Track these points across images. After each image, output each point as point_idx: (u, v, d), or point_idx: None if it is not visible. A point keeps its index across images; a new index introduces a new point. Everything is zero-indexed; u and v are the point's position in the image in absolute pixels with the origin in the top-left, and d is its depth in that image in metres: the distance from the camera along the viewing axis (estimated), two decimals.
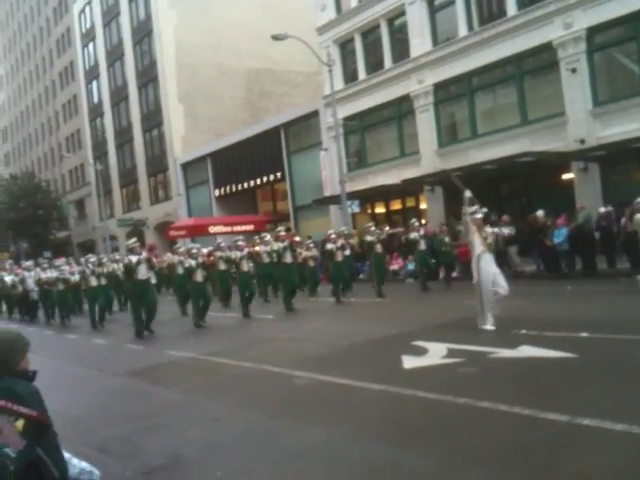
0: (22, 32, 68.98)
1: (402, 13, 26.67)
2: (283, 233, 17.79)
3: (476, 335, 9.81)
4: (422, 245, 17.86)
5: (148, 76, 44.13)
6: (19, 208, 55.46)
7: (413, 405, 6.50)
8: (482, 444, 5.16)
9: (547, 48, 21.50)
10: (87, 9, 52.42)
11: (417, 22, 25.83)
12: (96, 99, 52.38)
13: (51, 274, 20.19)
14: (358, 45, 28.93)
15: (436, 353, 8.68)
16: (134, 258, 14.11)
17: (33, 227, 55.85)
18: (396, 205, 29.00)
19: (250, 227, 34.69)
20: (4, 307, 25.82)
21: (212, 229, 34.28)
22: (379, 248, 17.46)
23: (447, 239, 18.87)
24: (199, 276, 15.24)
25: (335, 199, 27.26)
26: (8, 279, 23.91)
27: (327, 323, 14.00)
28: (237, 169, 36.77)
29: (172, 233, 36.15)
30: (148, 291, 14.38)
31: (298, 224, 32.53)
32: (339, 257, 17.20)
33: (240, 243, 16.91)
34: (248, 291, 16.14)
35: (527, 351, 8.25)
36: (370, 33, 28.62)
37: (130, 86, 46.51)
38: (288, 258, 16.72)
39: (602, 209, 17.42)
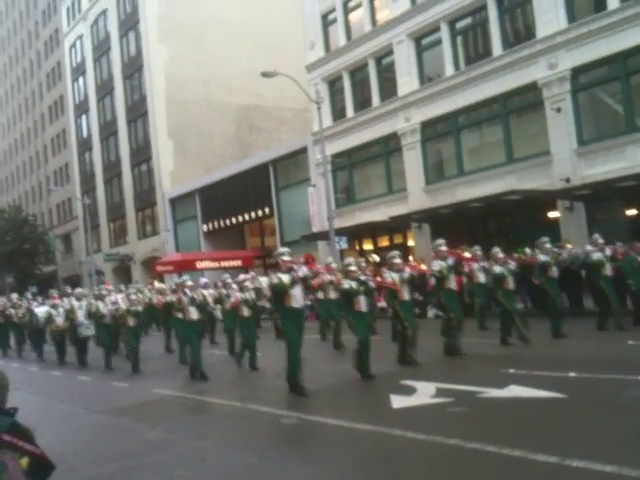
0: (13, 65, 69.35)
1: (390, 52, 27.08)
2: (444, 248, 12.68)
3: (465, 374, 9.79)
4: (607, 270, 13.90)
5: (138, 111, 44.35)
6: (5, 242, 55.10)
7: (402, 446, 6.45)
8: None
9: (532, 88, 21.85)
10: (78, 43, 52.84)
11: (404, 61, 26.23)
12: (85, 133, 52.48)
13: (117, 305, 15.88)
14: (346, 83, 29.28)
15: (425, 392, 8.65)
16: (286, 277, 9.86)
17: (19, 261, 55.43)
18: (384, 241, 29.07)
19: (238, 262, 34.62)
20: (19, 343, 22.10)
21: (200, 264, 34.17)
22: (555, 272, 13.75)
23: None
24: (363, 304, 10.74)
25: (323, 235, 27.31)
26: (40, 311, 19.85)
27: (316, 360, 13.89)
28: (225, 204, 36.84)
29: (159, 268, 35.99)
30: (302, 323, 10.24)
31: None
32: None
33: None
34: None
35: (516, 391, 8.23)
36: (358, 71, 29.00)
37: (119, 121, 46.69)
38: (453, 283, 12.41)
39: (588, 247, 17.52)
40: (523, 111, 23.11)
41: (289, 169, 33.35)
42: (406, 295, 11.47)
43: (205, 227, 38.74)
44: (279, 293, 9.88)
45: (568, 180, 20.47)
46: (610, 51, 19.65)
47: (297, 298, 9.91)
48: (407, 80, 26.13)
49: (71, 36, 53.77)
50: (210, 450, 7.07)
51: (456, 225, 23.91)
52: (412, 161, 26.00)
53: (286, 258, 10.21)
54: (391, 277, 11.43)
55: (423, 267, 14.02)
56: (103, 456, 7.33)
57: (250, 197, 34.93)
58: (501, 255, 13.71)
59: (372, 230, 28.01)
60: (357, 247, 29.51)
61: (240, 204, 35.57)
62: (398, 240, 28.09)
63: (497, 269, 13.39)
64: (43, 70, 61.05)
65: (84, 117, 52.52)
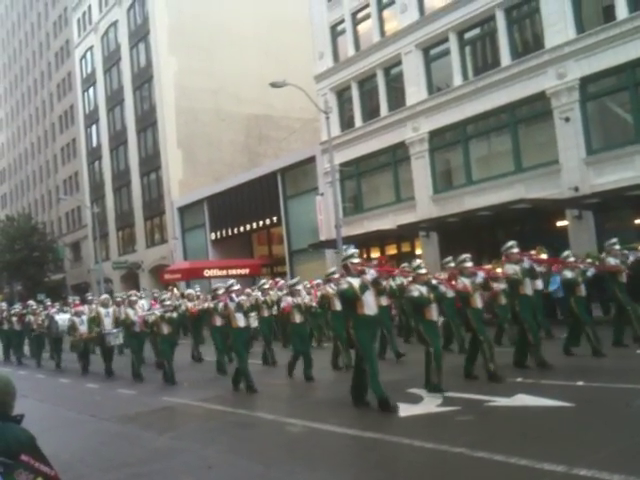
0: (24, 75, 69.87)
1: (398, 63, 27.14)
2: (516, 250, 11.25)
3: (472, 383, 9.75)
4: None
5: (147, 121, 44.58)
6: (14, 250, 55.35)
7: (409, 454, 6.43)
8: None
9: (541, 97, 21.84)
10: (88, 54, 53.21)
11: (413, 71, 26.28)
12: (95, 143, 52.76)
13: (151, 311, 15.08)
14: (355, 93, 29.34)
15: (432, 401, 8.62)
16: (356, 281, 8.81)
17: (28, 269, 55.66)
18: (391, 250, 29.05)
19: (245, 271, 34.67)
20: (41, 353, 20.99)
21: (207, 272, 34.25)
22: (624, 277, 12.40)
23: None
24: (434, 312, 9.72)
25: (331, 243, 27.32)
26: (62, 319, 18.72)
27: (322, 370, 13.87)
28: (233, 213, 36.93)
29: (167, 276, 36.07)
30: (376, 331, 9.56)
31: (293, 268, 32.53)
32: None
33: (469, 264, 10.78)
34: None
35: (523, 400, 8.20)
36: (366, 81, 29.07)
37: (129, 130, 46.93)
38: (529, 288, 11.11)
39: None
40: (532, 120, 23.09)
41: (297, 178, 33.42)
42: (478, 302, 10.43)
43: (213, 235, 38.83)
44: (350, 300, 8.89)
45: (577, 189, 20.42)
46: (619, 61, 19.65)
47: (370, 304, 8.89)
48: (415, 90, 26.17)
49: (82, 47, 54.16)
50: (217, 458, 7.06)
51: (464, 234, 23.87)
52: (420, 170, 26.01)
53: (356, 260, 9.27)
54: (462, 282, 10.46)
55: (499, 271, 12.05)
56: (109, 463, 7.33)
57: (258, 206, 35.00)
58: (572, 259, 12.52)
59: (380, 239, 28.01)
60: (365, 255, 29.48)
61: (248, 213, 35.65)
62: (406, 249, 28.08)
63: (569, 274, 12.04)
64: (54, 80, 61.49)
65: (94, 127, 52.82)
